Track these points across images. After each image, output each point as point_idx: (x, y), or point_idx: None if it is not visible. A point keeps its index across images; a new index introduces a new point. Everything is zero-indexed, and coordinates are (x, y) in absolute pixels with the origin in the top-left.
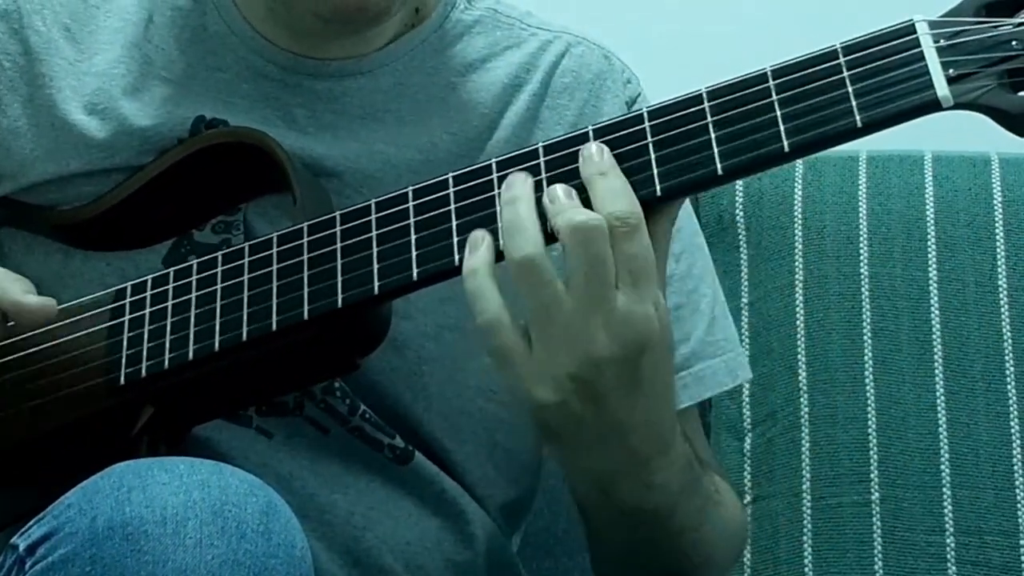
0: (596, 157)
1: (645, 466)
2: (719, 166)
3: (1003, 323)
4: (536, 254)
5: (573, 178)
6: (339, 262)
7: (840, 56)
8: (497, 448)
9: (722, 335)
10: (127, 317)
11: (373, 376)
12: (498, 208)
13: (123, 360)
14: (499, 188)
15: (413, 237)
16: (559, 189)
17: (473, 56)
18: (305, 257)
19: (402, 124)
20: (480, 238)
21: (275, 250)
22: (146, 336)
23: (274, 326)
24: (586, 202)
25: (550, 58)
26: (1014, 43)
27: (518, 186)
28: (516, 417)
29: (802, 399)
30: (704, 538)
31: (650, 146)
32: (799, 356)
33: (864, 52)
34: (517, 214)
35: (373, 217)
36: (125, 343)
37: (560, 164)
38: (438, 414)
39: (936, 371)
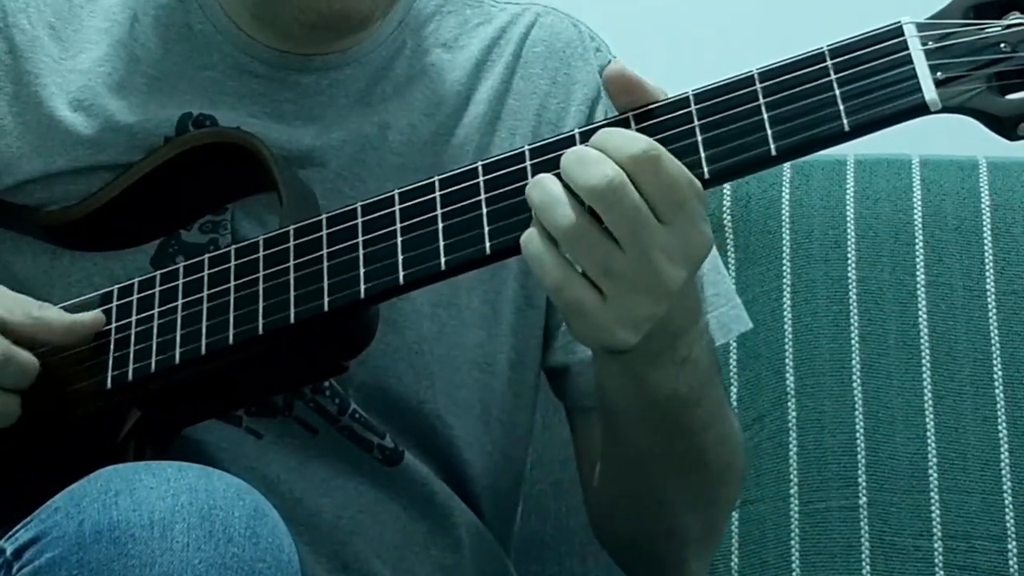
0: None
1: (681, 338)
2: (706, 169)
3: (991, 327)
4: (579, 220)
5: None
6: (325, 265)
7: (827, 59)
8: (492, 420)
9: (712, 291)
10: (114, 320)
11: (376, 359)
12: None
13: (109, 363)
14: (485, 191)
15: (399, 241)
16: (566, 158)
17: (445, 36)
18: (292, 261)
19: (386, 102)
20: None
21: (261, 253)
22: (132, 339)
23: (260, 330)
24: None
25: (520, 30)
26: (1002, 45)
27: (541, 175)
28: (508, 386)
29: (789, 403)
30: (724, 436)
31: None
32: (787, 360)
33: (852, 55)
34: (546, 190)
35: (359, 221)
36: (112, 346)
37: (547, 167)
38: (440, 392)
39: (924, 375)
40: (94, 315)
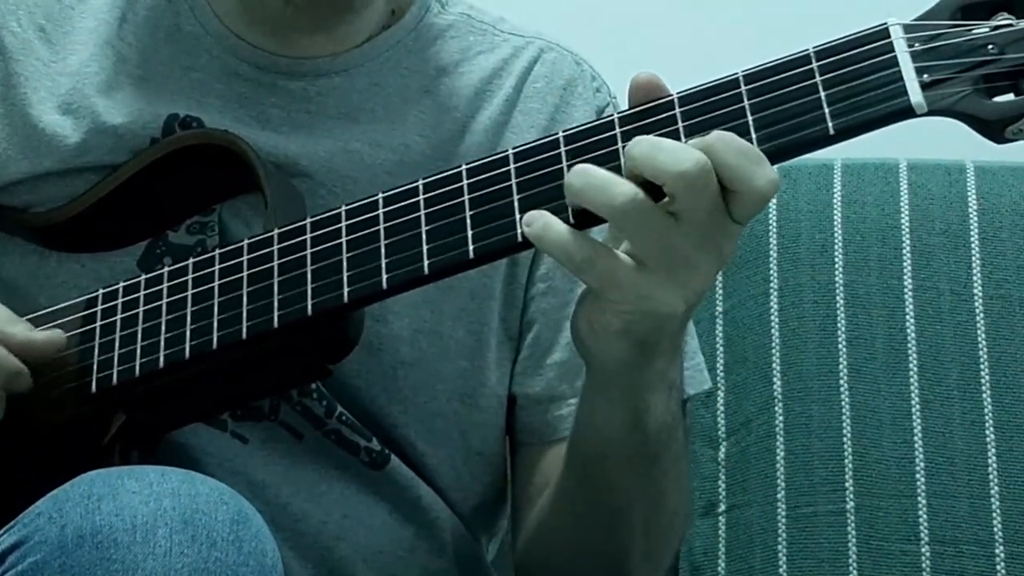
0: None
1: (673, 362)
2: None
3: (978, 331)
4: (638, 196)
5: (543, 183)
6: (309, 269)
7: (813, 61)
8: (472, 452)
9: None
10: (98, 324)
11: (349, 379)
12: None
13: (94, 367)
14: (469, 194)
15: (383, 244)
16: (639, 148)
17: (446, 60)
18: (275, 264)
19: (376, 124)
20: (534, 214)
21: (245, 257)
22: (117, 343)
23: (244, 334)
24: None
25: (522, 63)
26: (990, 47)
27: (579, 165)
28: (494, 420)
29: (777, 408)
30: (681, 477)
31: (619, 151)
32: (774, 365)
33: (837, 57)
34: (592, 173)
35: (343, 224)
36: (96, 350)
37: (530, 170)
38: (413, 418)
39: (911, 379)
40: (49, 334)
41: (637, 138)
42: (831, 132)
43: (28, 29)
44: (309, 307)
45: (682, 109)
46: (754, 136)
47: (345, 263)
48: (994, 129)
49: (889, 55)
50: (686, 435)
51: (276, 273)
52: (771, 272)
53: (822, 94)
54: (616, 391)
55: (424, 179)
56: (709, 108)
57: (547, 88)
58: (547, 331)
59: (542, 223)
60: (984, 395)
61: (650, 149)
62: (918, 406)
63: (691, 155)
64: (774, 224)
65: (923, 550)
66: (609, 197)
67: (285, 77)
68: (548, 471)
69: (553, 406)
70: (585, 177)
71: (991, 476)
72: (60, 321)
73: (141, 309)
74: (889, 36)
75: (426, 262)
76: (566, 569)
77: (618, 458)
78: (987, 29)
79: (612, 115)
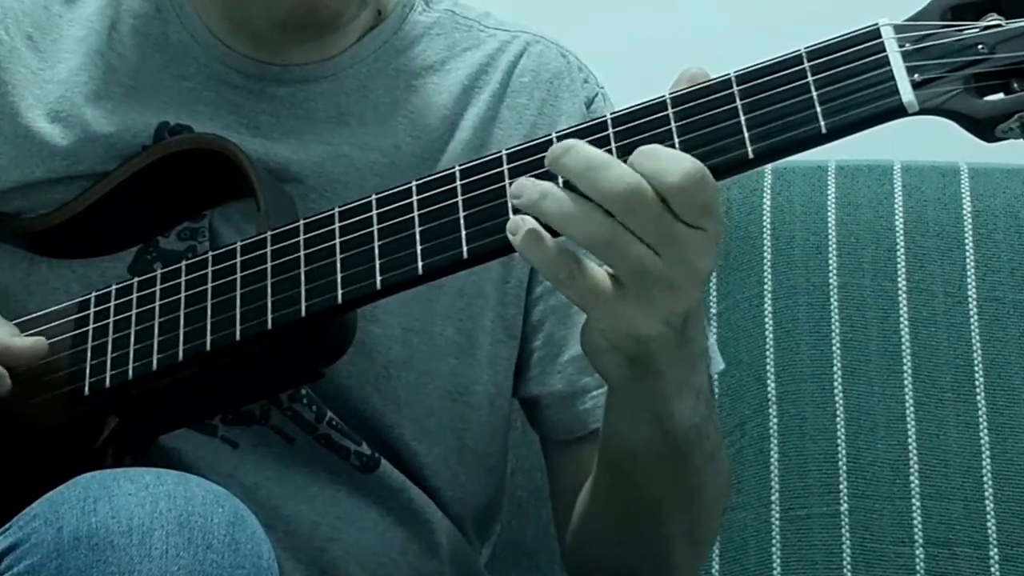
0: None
1: (694, 370)
2: None
3: (972, 333)
4: (613, 226)
5: None
6: (302, 271)
7: (805, 61)
8: (466, 450)
9: None
10: (91, 327)
11: (341, 380)
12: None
13: (87, 370)
14: (462, 195)
15: (376, 245)
16: (576, 164)
17: (433, 58)
18: (269, 266)
19: (366, 126)
20: (519, 221)
21: (239, 259)
22: (110, 346)
23: (238, 336)
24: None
25: (508, 58)
26: (980, 47)
27: (540, 184)
28: (486, 418)
29: (771, 410)
30: (719, 468)
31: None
32: (768, 367)
33: (829, 57)
34: (563, 202)
35: (336, 226)
36: (89, 353)
37: (524, 170)
38: (407, 417)
39: (905, 381)
40: (32, 341)
41: (576, 152)
42: (823, 131)
43: (16, 37)
44: (303, 308)
45: (675, 110)
46: (747, 135)
47: (339, 264)
48: (984, 128)
49: (880, 55)
50: (718, 427)
51: (270, 275)
52: (765, 274)
53: (814, 93)
54: (633, 402)
55: (418, 180)
56: (702, 109)
57: (534, 82)
58: (559, 328)
59: (527, 236)
60: (978, 397)
61: (585, 168)
62: (912, 408)
63: (617, 174)
64: (768, 226)
65: (917, 552)
66: (587, 228)
67: (274, 84)
68: (585, 466)
69: (578, 400)
70: (559, 206)
71: (985, 478)
72: (53, 324)
73: (134, 312)
74: (880, 36)
75: (420, 263)
76: (613, 561)
77: (647, 459)
78: (977, 29)
79: (606, 116)
